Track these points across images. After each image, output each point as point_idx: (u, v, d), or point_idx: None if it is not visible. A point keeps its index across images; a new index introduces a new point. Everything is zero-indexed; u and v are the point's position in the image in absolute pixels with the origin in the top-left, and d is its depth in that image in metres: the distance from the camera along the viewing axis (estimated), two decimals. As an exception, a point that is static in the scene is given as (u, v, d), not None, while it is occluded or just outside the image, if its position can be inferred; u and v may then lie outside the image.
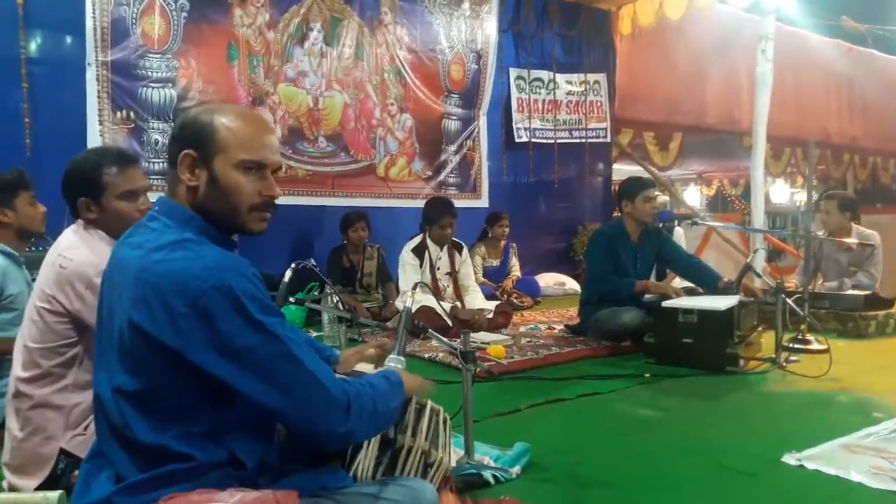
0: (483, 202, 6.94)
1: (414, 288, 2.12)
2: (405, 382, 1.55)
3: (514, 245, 6.47)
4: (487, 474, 2.05)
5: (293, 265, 2.54)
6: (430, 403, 1.83)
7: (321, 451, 1.66)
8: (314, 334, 4.47)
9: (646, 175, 8.31)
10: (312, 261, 5.82)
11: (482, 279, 6.18)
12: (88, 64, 4.79)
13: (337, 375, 1.76)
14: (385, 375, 1.50)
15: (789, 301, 3.55)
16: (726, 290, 3.83)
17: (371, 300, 5.28)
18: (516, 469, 2.12)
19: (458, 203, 6.62)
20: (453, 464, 2.13)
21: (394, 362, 1.82)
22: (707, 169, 14.05)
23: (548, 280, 6.86)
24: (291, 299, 2.55)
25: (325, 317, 4.12)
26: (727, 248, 8.46)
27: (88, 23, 4.76)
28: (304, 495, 1.34)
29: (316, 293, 4.65)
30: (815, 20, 9.60)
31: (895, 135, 10.41)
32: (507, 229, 6.29)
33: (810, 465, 2.12)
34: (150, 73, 5.02)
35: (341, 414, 1.27)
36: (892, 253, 10.68)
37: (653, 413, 2.81)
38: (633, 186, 4.10)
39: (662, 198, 5.37)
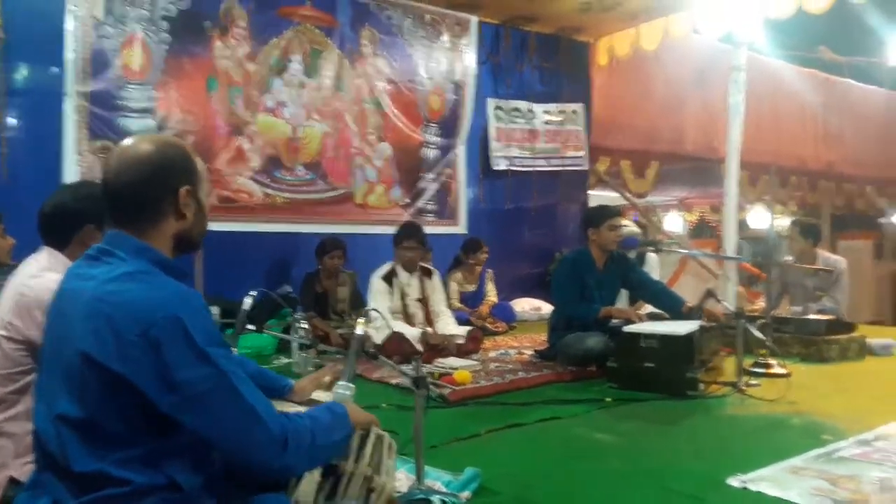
0: (461, 229, 7.03)
1: (365, 314, 2.18)
2: (352, 414, 1.59)
3: (490, 271, 6.54)
4: (436, 499, 2.08)
5: (252, 293, 2.59)
6: (374, 429, 1.89)
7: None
8: (285, 361, 4.52)
9: (622, 202, 8.45)
10: (288, 287, 5.90)
11: (458, 305, 6.24)
12: (67, 94, 4.87)
13: (284, 406, 1.81)
14: (330, 408, 1.54)
15: (749, 326, 3.62)
16: (690, 314, 3.90)
17: (344, 326, 5.31)
18: (466, 494, 2.16)
19: (436, 230, 6.75)
20: (404, 489, 2.18)
21: (342, 389, 1.85)
22: (688, 196, 14.22)
23: (524, 305, 6.92)
24: (250, 326, 2.60)
25: (293, 344, 4.16)
26: (703, 274, 8.56)
27: (69, 55, 4.85)
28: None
29: (290, 319, 4.69)
30: (792, 52, 9.84)
31: (871, 162, 10.61)
32: (485, 256, 6.37)
33: (753, 487, 2.18)
34: (129, 103, 5.11)
35: (278, 449, 1.32)
36: (866, 276, 10.84)
37: (608, 437, 2.86)
38: (599, 215, 4.20)
39: (630, 228, 5.46)
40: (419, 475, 2.17)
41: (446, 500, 2.11)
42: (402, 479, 2.26)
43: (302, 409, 1.82)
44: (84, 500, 1.26)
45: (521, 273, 7.48)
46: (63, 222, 1.99)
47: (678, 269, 9.40)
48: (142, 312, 1.24)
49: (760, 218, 11.95)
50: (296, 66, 5.89)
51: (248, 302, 2.62)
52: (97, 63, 4.96)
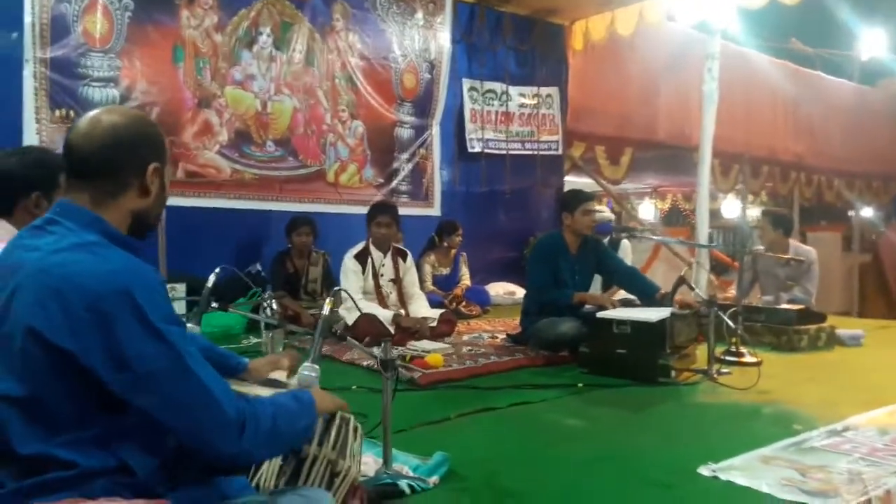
0: (435, 211, 6.95)
1: (332, 295, 2.09)
2: (318, 401, 1.53)
3: (465, 254, 6.48)
4: (403, 484, 2.03)
5: (216, 270, 2.48)
6: (340, 412, 1.82)
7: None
8: (254, 341, 4.42)
9: (597, 188, 8.44)
10: (258, 265, 5.78)
11: (431, 287, 6.17)
12: (26, 60, 4.67)
13: (242, 387, 1.74)
14: (296, 395, 1.48)
15: (721, 314, 3.61)
16: (663, 301, 3.88)
17: (316, 307, 5.21)
18: (434, 478, 2.11)
19: (410, 211, 6.66)
20: (372, 473, 2.12)
21: (307, 371, 1.78)
22: (661, 183, 14.30)
23: (498, 289, 6.89)
24: (214, 304, 2.49)
25: (261, 323, 4.05)
26: (675, 261, 8.60)
27: (27, 18, 4.64)
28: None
29: (259, 298, 4.59)
30: (764, 42, 9.89)
31: (839, 154, 10.75)
32: (460, 239, 6.31)
33: (724, 477, 2.15)
34: (91, 71, 4.92)
35: (234, 433, 1.25)
36: (835, 267, 11.02)
37: (579, 423, 2.83)
38: (573, 199, 4.15)
39: (605, 214, 5.43)
40: (387, 459, 2.11)
41: (414, 484, 2.06)
42: (370, 462, 2.20)
43: (261, 389, 1.75)
44: (27, 484, 1.18)
45: (496, 257, 7.44)
46: (8, 189, 1.87)
47: (650, 256, 9.44)
48: (91, 285, 1.17)
49: (733, 207, 12.07)
50: (265, 38, 5.72)
51: (212, 279, 2.50)
52: (57, 28, 4.75)
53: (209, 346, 1.86)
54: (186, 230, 5.20)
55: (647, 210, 15.96)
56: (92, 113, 1.35)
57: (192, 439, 1.25)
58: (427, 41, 6.77)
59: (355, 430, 1.85)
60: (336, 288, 2.70)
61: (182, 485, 1.36)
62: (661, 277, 6.28)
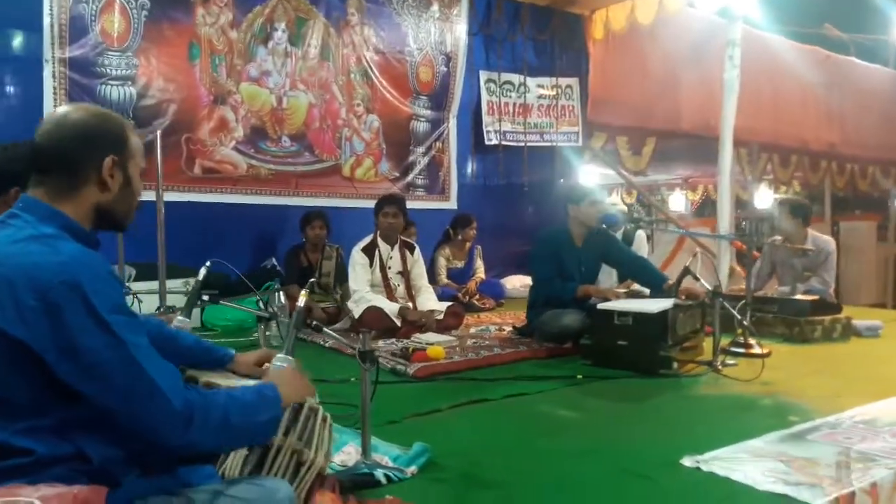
0: (451, 204, 6.96)
1: (309, 287, 2.12)
2: (285, 394, 1.54)
3: (479, 247, 6.48)
4: (379, 474, 2.04)
5: (207, 263, 2.53)
6: (308, 401, 1.84)
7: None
8: (266, 334, 4.48)
9: (619, 180, 8.34)
10: (273, 260, 5.86)
11: (446, 281, 6.20)
12: (46, 61, 4.79)
13: (228, 380, 1.77)
14: (258, 389, 1.49)
15: (727, 304, 3.55)
16: (670, 292, 3.84)
17: (328, 300, 5.27)
18: (412, 469, 2.12)
19: (426, 205, 6.68)
20: (351, 463, 2.14)
21: (280, 362, 1.81)
22: (692, 174, 14.08)
23: (514, 282, 6.87)
24: (205, 297, 2.55)
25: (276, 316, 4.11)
26: (706, 255, 8.44)
27: (46, 20, 4.75)
28: (160, 492, 1.36)
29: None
30: (794, 28, 9.64)
31: (873, 142, 10.42)
32: (475, 232, 6.32)
33: (705, 468, 2.12)
34: (109, 70, 5.02)
35: (180, 424, 1.27)
36: (870, 259, 10.71)
37: (573, 415, 2.82)
38: (579, 191, 4.11)
39: (606, 206, 5.36)
40: (365, 449, 2.13)
41: (391, 474, 2.07)
42: (351, 453, 2.23)
43: (239, 381, 1.78)
44: (-17, 471, 1.22)
45: (513, 250, 7.40)
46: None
47: (675, 248, 9.31)
48: (40, 276, 1.20)
49: (765, 198, 11.81)
50: (280, 34, 5.78)
51: (203, 272, 2.56)
52: (75, 28, 4.86)
53: (195, 340, 1.90)
54: (203, 226, 5.31)
55: (679, 201, 15.73)
56: (58, 109, 1.41)
57: (139, 429, 1.27)
58: (443, 33, 6.77)
59: (324, 420, 1.87)
60: (312, 281, 2.72)
61: (144, 472, 1.39)
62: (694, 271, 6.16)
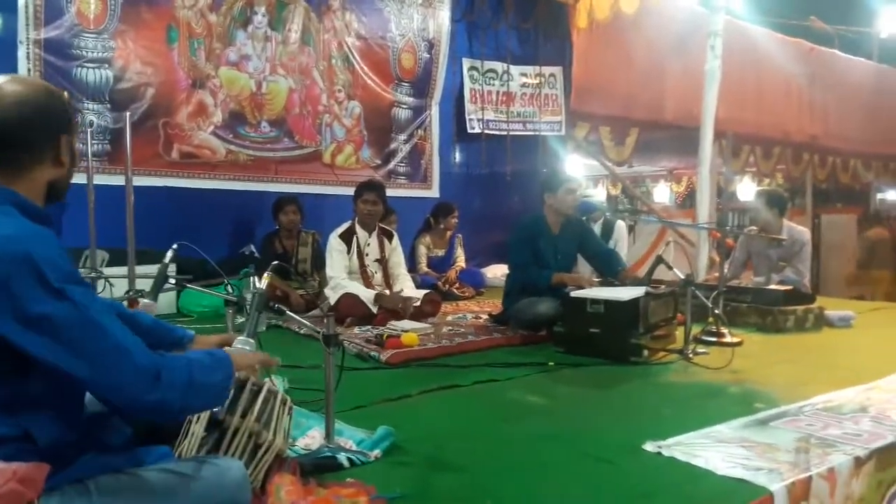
0: (434, 192, 6.95)
1: (273, 269, 2.11)
2: (237, 360, 1.55)
3: (460, 235, 6.48)
4: (342, 457, 2.05)
5: (174, 246, 2.50)
6: (268, 384, 1.84)
7: (154, 430, 1.68)
8: (240, 320, 4.45)
9: (602, 171, 8.35)
10: (252, 246, 5.84)
11: (426, 269, 6.19)
12: (20, 42, 4.72)
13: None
14: (209, 352, 1.51)
15: (698, 293, 3.58)
16: (626, 280, 3.88)
17: (306, 287, 5.26)
18: (376, 452, 2.12)
19: (408, 192, 6.67)
20: (314, 447, 2.15)
21: (241, 344, 1.81)
22: (677, 166, 14.12)
23: (495, 271, 6.87)
24: (172, 281, 2.52)
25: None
26: (682, 244, 8.50)
27: (20, 0, 4.69)
28: (111, 471, 1.35)
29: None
30: (778, 20, 9.67)
31: (855, 136, 10.48)
32: (456, 221, 6.31)
33: (666, 453, 2.14)
34: (85, 52, 4.96)
35: (149, 381, 1.28)
36: (851, 252, 10.78)
37: (541, 401, 2.83)
38: (556, 179, 4.12)
39: (580, 194, 5.37)
40: (329, 433, 2.14)
41: (354, 457, 2.07)
42: (315, 437, 2.23)
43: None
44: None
45: (495, 239, 7.38)
46: None
47: (656, 239, 9.34)
48: None
49: (748, 189, 11.86)
50: (260, 18, 5.73)
51: (169, 255, 2.53)
52: (50, 9, 4.79)
53: (154, 322, 1.89)
54: (181, 211, 5.27)
55: (663, 193, 15.78)
56: None
57: (109, 391, 1.27)
58: (426, 20, 6.74)
59: (284, 402, 1.87)
60: (277, 265, 2.69)
61: (95, 452, 1.39)
62: (669, 260, 6.18)
